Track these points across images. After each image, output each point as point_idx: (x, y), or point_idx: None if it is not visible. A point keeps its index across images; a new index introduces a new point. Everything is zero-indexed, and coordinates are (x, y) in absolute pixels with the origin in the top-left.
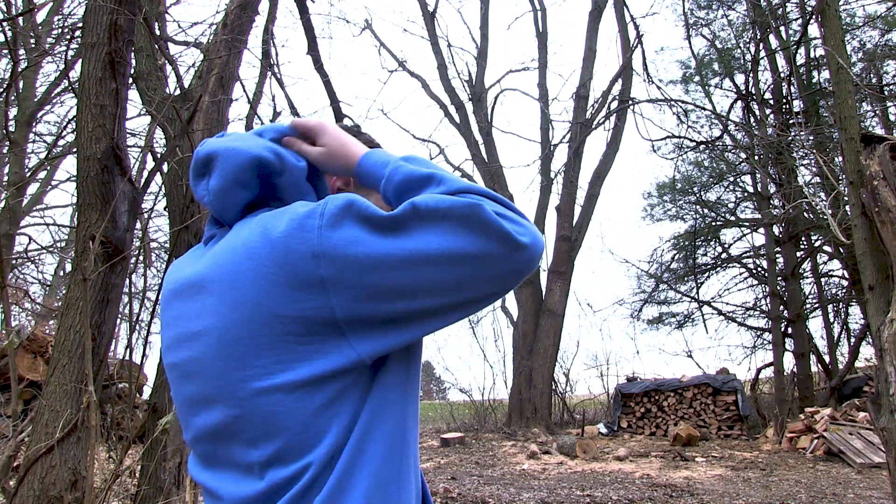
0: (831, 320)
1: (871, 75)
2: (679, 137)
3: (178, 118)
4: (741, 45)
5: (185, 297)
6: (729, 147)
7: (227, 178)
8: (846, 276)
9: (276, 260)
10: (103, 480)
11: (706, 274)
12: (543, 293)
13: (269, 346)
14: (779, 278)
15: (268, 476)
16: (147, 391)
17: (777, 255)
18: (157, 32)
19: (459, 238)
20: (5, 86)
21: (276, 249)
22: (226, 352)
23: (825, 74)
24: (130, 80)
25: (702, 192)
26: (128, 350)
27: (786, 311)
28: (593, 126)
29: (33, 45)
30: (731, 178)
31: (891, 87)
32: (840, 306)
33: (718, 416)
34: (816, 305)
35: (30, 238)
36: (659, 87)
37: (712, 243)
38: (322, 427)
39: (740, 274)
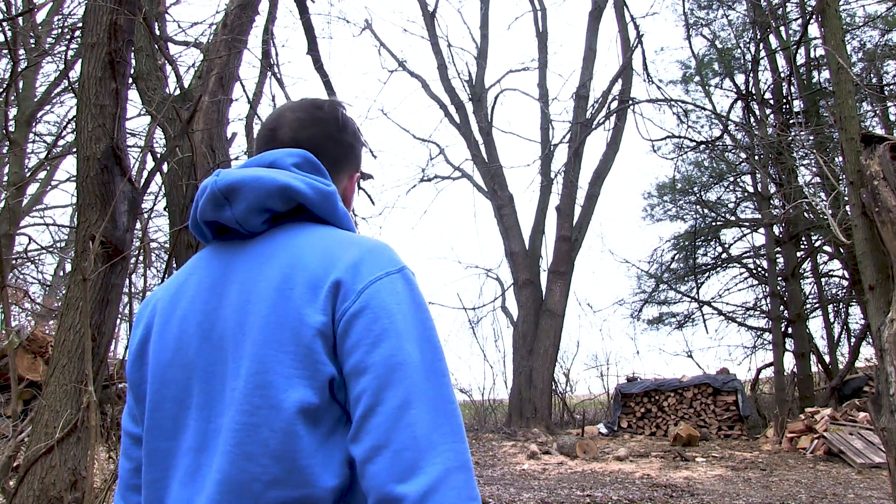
0: (831, 320)
1: (871, 75)
2: (679, 137)
3: (178, 118)
4: (741, 45)
5: None
6: (729, 147)
7: (254, 206)
8: (846, 276)
9: None
10: (103, 480)
11: (706, 274)
12: (543, 293)
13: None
14: (779, 278)
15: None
16: None
17: (777, 255)
18: (157, 32)
19: None
20: (5, 86)
21: None
22: None
23: (825, 74)
24: (130, 80)
25: (702, 192)
26: (128, 350)
27: (786, 312)
28: (593, 126)
29: (33, 45)
30: (732, 178)
31: (891, 87)
32: (840, 306)
33: (718, 416)
34: (816, 305)
35: (30, 238)
36: (659, 87)
37: (712, 243)
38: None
39: (740, 274)
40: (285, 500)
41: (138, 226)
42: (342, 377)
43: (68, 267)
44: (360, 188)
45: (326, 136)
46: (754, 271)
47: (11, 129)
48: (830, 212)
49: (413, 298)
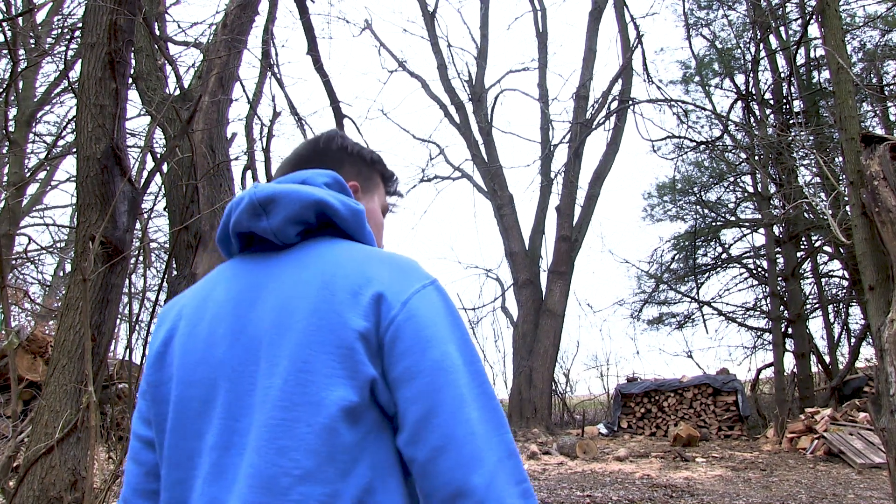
0: (831, 320)
1: (871, 75)
2: (679, 137)
3: (178, 118)
4: (741, 45)
5: None
6: (729, 147)
7: (290, 217)
8: (846, 276)
9: None
10: (103, 480)
11: (706, 274)
12: (543, 293)
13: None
14: (779, 278)
15: None
16: None
17: (777, 256)
18: (157, 32)
19: None
20: (5, 86)
21: None
22: None
23: (825, 74)
24: (130, 80)
25: (702, 193)
26: (128, 350)
27: (786, 312)
28: (593, 126)
29: (33, 45)
30: (731, 179)
31: (891, 87)
32: (840, 306)
33: (718, 416)
34: (816, 305)
35: (30, 238)
36: (659, 88)
37: (712, 243)
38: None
39: (740, 274)
40: (313, 496)
41: (138, 226)
42: (385, 381)
43: (68, 267)
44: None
45: (311, 153)
46: (754, 271)
47: (11, 129)
48: (830, 212)
49: (448, 307)
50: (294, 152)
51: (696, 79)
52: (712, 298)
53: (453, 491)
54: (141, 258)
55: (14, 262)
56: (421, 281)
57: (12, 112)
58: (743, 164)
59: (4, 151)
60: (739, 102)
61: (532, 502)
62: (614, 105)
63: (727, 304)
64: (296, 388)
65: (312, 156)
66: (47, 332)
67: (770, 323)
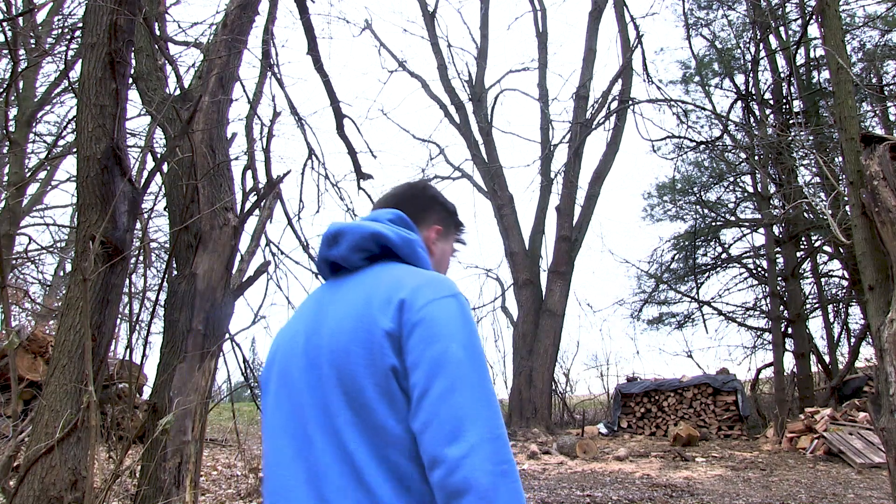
0: (831, 320)
1: (871, 75)
2: (679, 137)
3: (178, 118)
4: (741, 45)
5: None
6: (729, 147)
7: (353, 246)
8: (846, 276)
9: None
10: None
11: (706, 274)
12: (543, 293)
13: None
14: (779, 278)
15: None
16: (147, 391)
17: (777, 255)
18: (157, 32)
19: None
20: (5, 86)
21: None
22: None
23: (825, 74)
24: (130, 80)
25: (702, 192)
26: (128, 350)
27: (786, 312)
28: (593, 126)
29: (33, 45)
30: (731, 178)
31: (891, 87)
32: (840, 306)
33: (718, 416)
34: (816, 305)
35: (30, 238)
36: (659, 88)
37: (712, 243)
38: None
39: (740, 274)
40: (358, 427)
41: (138, 226)
42: (405, 369)
43: (68, 267)
44: (360, 189)
45: (405, 199)
46: (754, 271)
47: (11, 129)
48: (830, 212)
49: (462, 316)
50: (393, 190)
51: (696, 79)
52: (712, 298)
53: (430, 459)
54: (141, 258)
55: (14, 261)
56: (442, 293)
57: (12, 112)
58: (743, 164)
59: (5, 151)
60: (739, 102)
61: (509, 482)
62: (614, 105)
63: (727, 303)
64: (344, 367)
65: (408, 197)
66: (47, 331)
67: (770, 323)
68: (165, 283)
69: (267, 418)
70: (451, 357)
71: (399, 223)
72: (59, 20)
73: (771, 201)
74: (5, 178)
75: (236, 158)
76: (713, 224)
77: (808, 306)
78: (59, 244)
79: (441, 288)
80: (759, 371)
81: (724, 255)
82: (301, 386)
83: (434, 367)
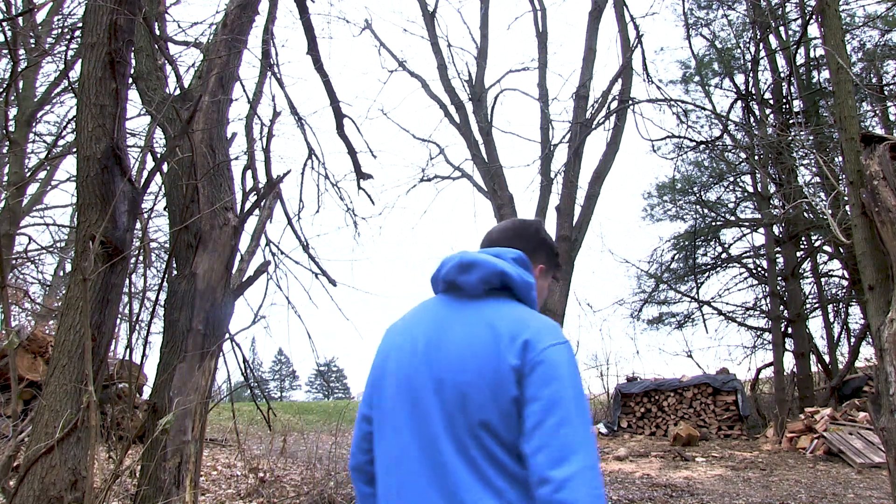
0: (831, 320)
1: (871, 75)
2: (679, 137)
3: (178, 118)
4: (741, 45)
5: None
6: (729, 147)
7: (482, 278)
8: (846, 276)
9: None
10: (103, 480)
11: (706, 274)
12: None
13: None
14: (779, 278)
15: None
16: (147, 391)
17: (777, 255)
18: (157, 32)
19: None
20: (5, 86)
21: None
22: None
23: (825, 74)
24: (130, 80)
25: (702, 192)
26: (128, 350)
27: (786, 311)
28: (593, 126)
29: (33, 45)
30: (731, 178)
31: (891, 87)
32: (840, 306)
33: (718, 416)
34: (816, 305)
35: (30, 238)
36: (659, 87)
37: (712, 243)
38: None
39: (740, 274)
40: (482, 424)
41: (138, 226)
42: (523, 398)
43: (68, 267)
44: (360, 188)
45: (518, 236)
46: (754, 271)
47: (11, 129)
48: (830, 212)
49: (570, 362)
50: (505, 224)
51: (696, 79)
52: (712, 298)
53: (538, 478)
54: (141, 258)
55: (14, 261)
56: (557, 339)
57: (12, 112)
58: (743, 164)
59: (4, 151)
60: (739, 102)
61: None
62: (614, 105)
63: (727, 303)
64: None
65: (520, 233)
66: (47, 331)
67: (770, 322)
68: (165, 283)
69: (385, 414)
70: (563, 396)
71: (521, 264)
72: (58, 20)
73: (771, 201)
74: (5, 178)
75: (236, 158)
76: (713, 224)
77: (808, 306)
78: (59, 244)
79: (557, 334)
80: (759, 371)
81: (724, 255)
82: (424, 394)
83: (549, 403)
